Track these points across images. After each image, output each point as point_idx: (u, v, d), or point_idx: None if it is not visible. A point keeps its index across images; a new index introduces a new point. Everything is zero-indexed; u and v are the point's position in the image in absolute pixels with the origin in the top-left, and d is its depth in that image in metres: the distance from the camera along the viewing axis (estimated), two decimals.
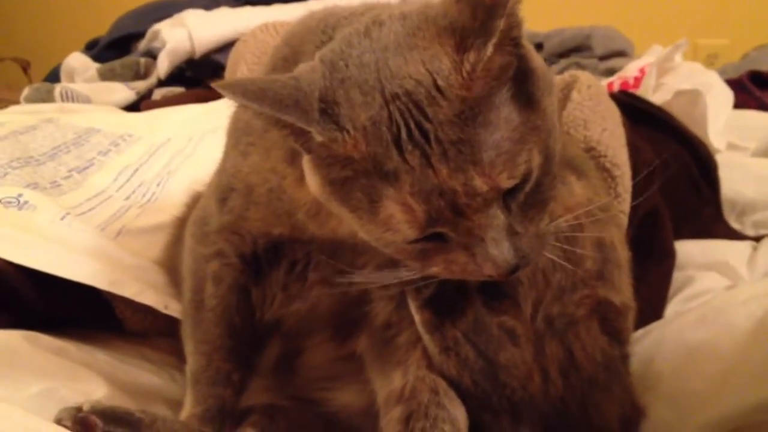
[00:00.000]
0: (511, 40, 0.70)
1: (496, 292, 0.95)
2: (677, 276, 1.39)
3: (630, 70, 2.14)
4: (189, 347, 1.03)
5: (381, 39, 0.73)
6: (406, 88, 0.69)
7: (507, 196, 0.72)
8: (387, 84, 0.69)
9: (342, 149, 0.70)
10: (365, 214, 0.73)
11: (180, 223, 1.21)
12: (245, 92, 0.70)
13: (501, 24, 0.67)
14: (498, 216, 0.71)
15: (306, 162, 0.78)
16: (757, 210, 1.58)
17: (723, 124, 1.72)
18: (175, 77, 2.39)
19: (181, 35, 2.33)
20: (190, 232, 1.06)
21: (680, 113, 1.66)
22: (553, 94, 0.77)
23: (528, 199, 0.74)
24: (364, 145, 0.69)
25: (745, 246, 1.47)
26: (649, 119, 1.59)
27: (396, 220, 0.71)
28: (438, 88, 0.68)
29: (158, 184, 1.51)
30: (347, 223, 0.80)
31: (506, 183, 0.70)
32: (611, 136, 1.31)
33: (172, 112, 1.86)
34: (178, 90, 2.33)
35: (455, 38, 0.69)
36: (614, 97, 1.51)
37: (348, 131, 0.70)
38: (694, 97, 1.68)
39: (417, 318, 0.91)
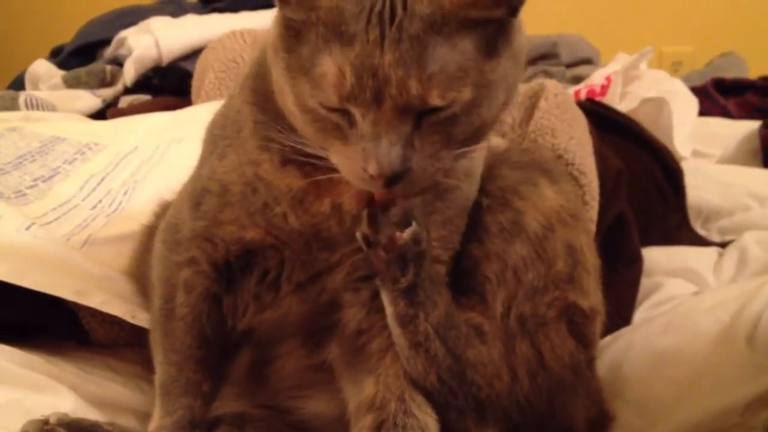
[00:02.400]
0: None
1: (464, 288, 0.96)
2: (645, 282, 1.40)
3: (596, 78, 2.16)
4: (158, 357, 1.02)
5: None
6: None
7: (423, 114, 0.74)
8: None
9: None
10: (300, 71, 0.76)
11: (148, 232, 1.19)
12: None
13: None
14: (405, 123, 0.74)
15: (275, 19, 0.81)
16: (722, 216, 1.60)
17: (688, 132, 1.74)
18: (141, 85, 2.37)
19: (147, 42, 2.31)
20: (160, 239, 1.05)
21: (646, 121, 1.68)
22: (518, 67, 0.81)
23: (440, 125, 0.76)
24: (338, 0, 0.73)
25: (711, 252, 1.49)
26: (615, 127, 1.61)
27: (326, 81, 0.74)
28: None
29: (125, 193, 1.49)
30: (329, 198, 0.86)
31: (434, 100, 0.73)
32: (578, 144, 1.33)
33: (139, 121, 1.84)
34: (145, 98, 2.30)
35: None
36: (581, 105, 1.53)
37: None
38: (659, 105, 1.71)
39: (390, 310, 0.91)
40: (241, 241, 0.96)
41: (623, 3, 3.39)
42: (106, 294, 1.15)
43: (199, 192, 0.98)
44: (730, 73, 2.66)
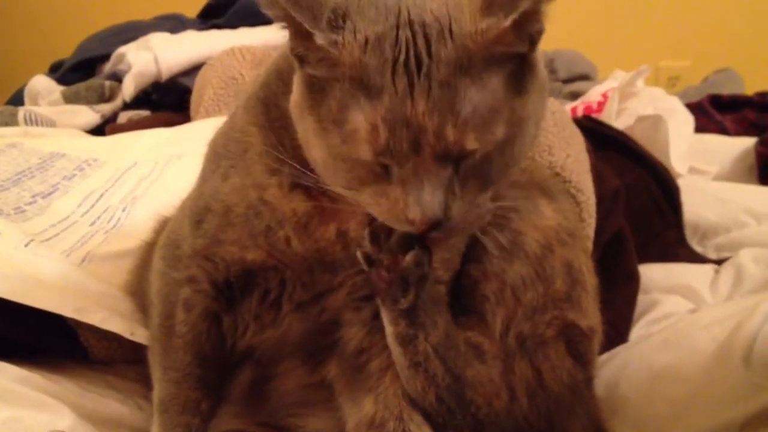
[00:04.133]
0: (528, 30, 0.74)
1: (463, 307, 0.97)
2: (642, 299, 1.40)
3: (593, 94, 2.17)
4: (157, 374, 1.02)
5: None
6: (423, 18, 0.72)
7: (458, 160, 0.74)
8: (405, 10, 0.73)
9: (337, 53, 0.72)
10: (330, 123, 0.75)
11: (147, 248, 1.19)
12: None
13: (526, 5, 0.70)
14: (445, 170, 0.73)
15: (296, 76, 0.80)
16: (718, 233, 1.60)
17: (685, 149, 1.75)
18: (140, 100, 2.37)
19: (147, 58, 2.31)
20: (160, 255, 1.05)
21: (642, 138, 1.68)
22: (544, 100, 0.81)
23: (476, 168, 0.75)
24: (360, 54, 0.72)
25: (707, 269, 1.49)
26: (612, 144, 1.61)
27: (358, 136, 0.73)
28: (451, 31, 0.71)
29: (124, 210, 1.49)
30: (334, 224, 0.85)
31: (471, 144, 0.72)
32: (575, 161, 1.33)
33: (138, 136, 1.84)
34: (144, 113, 2.31)
35: (484, 1, 0.72)
36: (578, 122, 1.53)
37: (348, 39, 0.72)
38: (655, 122, 1.71)
39: (390, 330, 0.92)
40: (242, 261, 0.97)
41: (620, 18, 3.41)
42: (105, 311, 1.15)
43: (200, 210, 0.98)
44: (726, 89, 2.65)
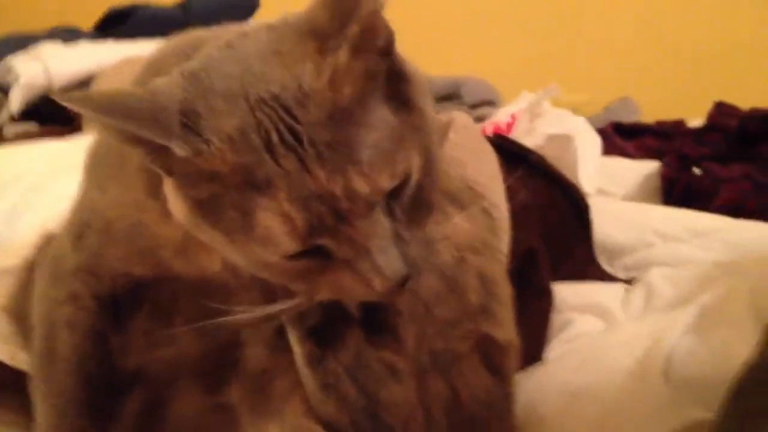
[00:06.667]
0: (375, 46, 0.68)
1: (375, 324, 0.90)
2: (554, 318, 1.38)
3: (501, 115, 2.17)
4: (39, 403, 0.93)
5: (244, 48, 0.69)
6: (272, 92, 0.65)
7: (390, 200, 0.68)
8: (251, 90, 0.65)
9: (207, 164, 0.64)
10: (239, 233, 0.66)
11: (30, 266, 1.10)
12: (95, 104, 0.63)
13: (354, 28, 0.64)
14: (382, 221, 0.67)
15: (168, 186, 0.71)
16: (626, 253, 1.60)
17: (593, 169, 1.76)
18: (28, 114, 2.25)
19: (36, 69, 2.20)
20: (41, 274, 0.97)
21: (552, 157, 1.68)
22: (428, 97, 0.75)
23: (411, 202, 0.70)
24: (231, 156, 0.64)
25: (618, 288, 1.48)
26: (522, 162, 1.60)
27: (274, 233, 0.65)
28: (304, 92, 0.64)
29: (6, 224, 1.39)
30: (219, 254, 0.74)
31: (387, 183, 0.66)
32: (489, 176, 1.30)
33: (25, 149, 1.74)
34: (32, 127, 2.19)
35: (316, 42, 0.66)
36: (488, 140, 1.51)
37: (212, 142, 0.64)
38: (565, 141, 1.71)
39: (298, 350, 0.85)
40: (129, 275, 0.90)
41: (522, 50, 3.45)
42: None
43: (80, 224, 0.91)
44: (625, 118, 2.73)
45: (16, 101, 2.20)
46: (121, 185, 0.84)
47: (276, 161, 0.64)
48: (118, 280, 0.90)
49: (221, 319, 0.78)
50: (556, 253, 1.51)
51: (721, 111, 2.49)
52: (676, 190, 1.89)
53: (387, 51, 0.70)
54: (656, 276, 1.44)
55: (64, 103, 0.62)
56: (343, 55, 0.64)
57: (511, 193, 1.37)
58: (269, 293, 0.83)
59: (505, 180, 1.37)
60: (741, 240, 1.54)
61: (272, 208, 0.64)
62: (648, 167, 2.01)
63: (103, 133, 0.66)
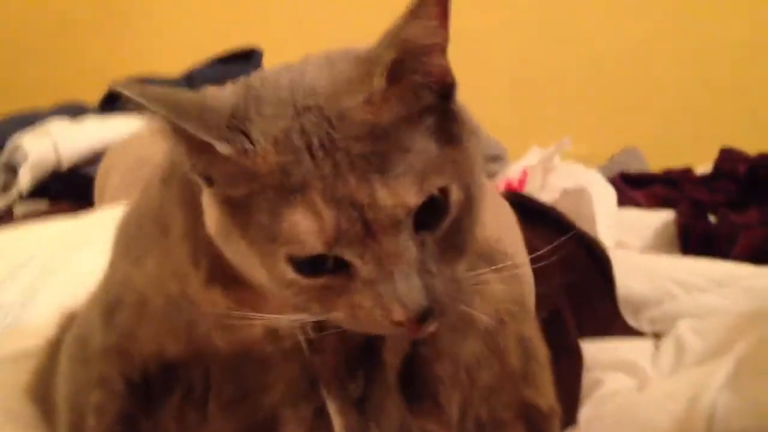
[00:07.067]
0: (421, 79, 0.68)
1: (416, 392, 0.88)
2: (584, 378, 1.35)
3: (513, 171, 2.17)
4: None
5: (301, 66, 0.72)
6: (317, 102, 0.66)
7: (423, 230, 0.66)
8: (299, 98, 0.67)
9: (250, 163, 0.65)
10: (266, 238, 0.66)
11: (52, 347, 1.06)
12: (149, 95, 0.63)
13: (390, 54, 0.65)
14: (409, 246, 0.65)
15: (205, 197, 0.71)
16: (650, 306, 1.58)
17: (610, 222, 1.75)
18: (38, 192, 2.25)
19: (45, 146, 2.19)
20: (67, 355, 0.94)
21: (569, 212, 1.67)
22: (478, 139, 0.74)
23: (446, 238, 0.68)
24: (274, 156, 0.65)
25: (646, 343, 1.46)
26: (540, 218, 1.59)
27: (302, 230, 0.64)
28: (342, 108, 0.66)
29: (22, 306, 1.37)
30: (260, 320, 0.73)
31: (412, 198, 0.64)
32: (510, 235, 1.29)
33: (37, 228, 1.72)
34: (42, 205, 2.18)
35: (361, 64, 0.67)
36: (504, 197, 1.51)
37: (259, 143, 0.65)
38: (580, 195, 1.71)
39: (338, 422, 0.82)
40: (161, 356, 0.86)
41: (523, 104, 3.47)
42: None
43: (111, 301, 0.87)
44: (632, 167, 2.72)
45: (25, 180, 2.19)
46: (161, 256, 0.82)
47: (314, 163, 0.64)
48: (150, 361, 0.87)
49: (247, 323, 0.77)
50: (579, 309, 1.49)
51: (728, 157, 2.48)
52: (693, 239, 1.88)
53: (445, 93, 0.70)
54: (684, 329, 1.42)
55: (120, 90, 0.63)
56: (378, 81, 0.65)
57: (532, 251, 1.35)
58: (310, 365, 0.81)
59: (526, 237, 1.36)
60: (764, 287, 1.53)
61: (304, 206, 0.64)
62: (662, 216, 2.00)
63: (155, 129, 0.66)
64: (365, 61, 0.67)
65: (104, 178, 1.82)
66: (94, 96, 2.73)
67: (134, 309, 0.85)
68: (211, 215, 0.71)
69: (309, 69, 0.70)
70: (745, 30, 3.10)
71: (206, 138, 0.64)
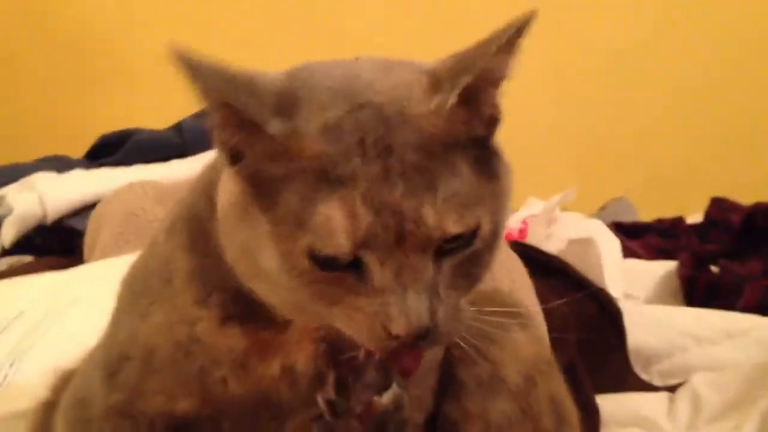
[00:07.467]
0: (483, 111, 0.68)
1: None
2: None
3: (512, 222, 2.14)
4: None
5: (353, 62, 0.72)
6: (377, 101, 0.65)
7: (442, 255, 0.65)
8: (356, 93, 0.65)
9: (295, 145, 0.63)
10: (292, 221, 0.63)
11: (45, 409, 1.00)
12: (200, 66, 0.62)
13: (468, 78, 0.64)
14: (429, 266, 0.64)
15: (229, 177, 0.69)
16: (661, 359, 1.55)
17: (616, 272, 1.72)
18: (21, 246, 2.18)
19: (30, 199, 2.14)
20: (65, 419, 0.88)
21: (575, 262, 1.65)
22: (511, 182, 0.73)
23: (460, 266, 0.66)
24: (320, 144, 0.63)
25: (661, 397, 1.43)
26: (547, 269, 1.56)
27: (334, 225, 0.61)
28: (406, 113, 0.65)
29: (11, 365, 1.31)
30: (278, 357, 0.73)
31: (452, 227, 0.63)
32: (521, 287, 1.26)
33: (25, 282, 1.66)
34: (27, 259, 2.12)
35: (431, 78, 0.67)
36: (509, 247, 1.47)
37: (308, 127, 0.63)
38: (586, 245, 1.69)
39: None
40: (170, 413, 0.81)
41: (517, 158, 3.48)
42: None
43: (115, 359, 0.82)
44: (623, 217, 2.71)
45: (8, 234, 2.12)
46: (166, 306, 0.79)
47: (363, 160, 0.62)
48: (158, 422, 0.81)
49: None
50: (591, 362, 1.45)
51: (719, 206, 2.47)
52: (697, 290, 1.86)
53: (490, 124, 0.70)
54: (699, 382, 1.39)
55: (175, 60, 0.61)
56: (452, 98, 0.64)
57: (544, 302, 1.32)
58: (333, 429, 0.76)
59: (537, 288, 1.33)
60: None
61: (342, 202, 0.62)
62: (663, 267, 1.98)
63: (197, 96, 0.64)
64: (437, 76, 0.66)
65: (95, 233, 1.77)
66: (79, 151, 2.69)
67: (141, 363, 0.80)
68: (230, 190, 0.69)
69: (365, 67, 0.69)
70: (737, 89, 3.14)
71: (256, 116, 0.62)
